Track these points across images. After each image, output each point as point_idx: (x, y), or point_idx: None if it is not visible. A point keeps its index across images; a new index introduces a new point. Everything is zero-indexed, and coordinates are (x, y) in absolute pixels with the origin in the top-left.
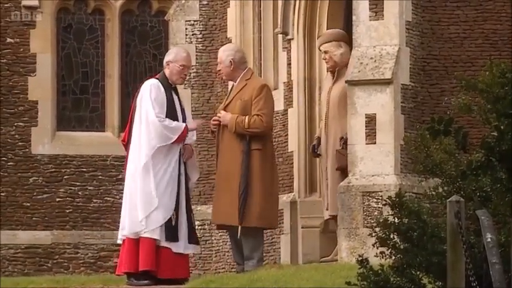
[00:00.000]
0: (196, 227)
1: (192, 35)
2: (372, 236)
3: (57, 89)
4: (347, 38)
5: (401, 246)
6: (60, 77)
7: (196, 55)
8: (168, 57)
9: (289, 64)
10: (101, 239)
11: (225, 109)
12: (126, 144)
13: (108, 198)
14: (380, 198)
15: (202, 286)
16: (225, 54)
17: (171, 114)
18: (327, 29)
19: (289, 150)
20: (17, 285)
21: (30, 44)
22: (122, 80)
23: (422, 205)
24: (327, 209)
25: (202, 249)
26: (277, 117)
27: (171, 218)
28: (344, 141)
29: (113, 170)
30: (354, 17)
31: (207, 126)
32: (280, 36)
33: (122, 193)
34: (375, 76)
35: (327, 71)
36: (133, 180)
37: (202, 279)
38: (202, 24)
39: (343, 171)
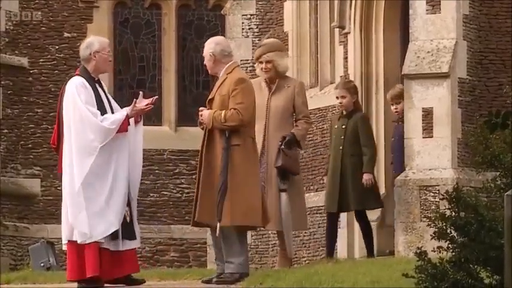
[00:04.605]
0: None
1: (249, 29)
2: (431, 227)
3: (114, 84)
4: (285, 48)
5: (459, 240)
6: (117, 71)
7: (253, 49)
8: (92, 48)
9: (345, 58)
10: (157, 233)
11: (209, 104)
12: (57, 147)
13: (165, 193)
14: (437, 192)
15: (259, 280)
16: (206, 47)
17: (100, 109)
18: (383, 24)
19: None
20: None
21: (87, 38)
22: (178, 74)
23: (479, 199)
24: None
25: (259, 243)
26: (333, 112)
27: (125, 215)
28: (286, 141)
29: (170, 164)
30: (410, 11)
31: None
32: (336, 30)
33: (179, 187)
34: (432, 70)
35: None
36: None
37: (259, 273)
38: (258, 18)
39: (284, 173)
